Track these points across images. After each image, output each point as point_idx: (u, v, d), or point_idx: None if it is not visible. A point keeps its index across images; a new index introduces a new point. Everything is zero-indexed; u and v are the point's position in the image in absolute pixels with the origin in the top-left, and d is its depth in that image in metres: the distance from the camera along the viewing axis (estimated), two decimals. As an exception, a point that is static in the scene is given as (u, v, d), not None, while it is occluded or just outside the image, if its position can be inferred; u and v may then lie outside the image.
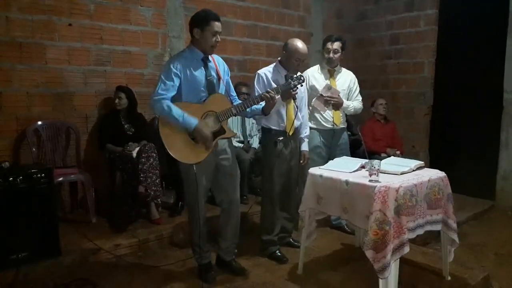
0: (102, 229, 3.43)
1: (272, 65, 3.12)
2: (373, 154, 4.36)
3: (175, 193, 3.97)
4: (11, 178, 2.74)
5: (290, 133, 3.07)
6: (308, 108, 3.41)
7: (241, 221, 2.95)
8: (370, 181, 2.39)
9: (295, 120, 3.06)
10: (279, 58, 3.11)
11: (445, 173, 2.66)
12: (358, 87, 3.70)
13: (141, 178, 3.42)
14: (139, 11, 4.09)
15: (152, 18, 4.18)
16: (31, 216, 2.81)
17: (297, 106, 3.05)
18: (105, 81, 3.94)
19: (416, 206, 2.41)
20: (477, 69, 4.81)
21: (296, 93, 2.90)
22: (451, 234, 2.64)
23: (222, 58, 2.85)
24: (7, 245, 2.70)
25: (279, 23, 5.24)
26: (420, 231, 2.44)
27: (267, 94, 2.66)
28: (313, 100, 3.47)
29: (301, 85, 2.87)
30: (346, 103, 3.54)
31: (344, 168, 2.69)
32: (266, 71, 3.07)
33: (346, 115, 3.69)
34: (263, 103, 2.75)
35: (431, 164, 4.03)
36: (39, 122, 3.59)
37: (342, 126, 3.63)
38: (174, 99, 2.54)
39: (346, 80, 3.63)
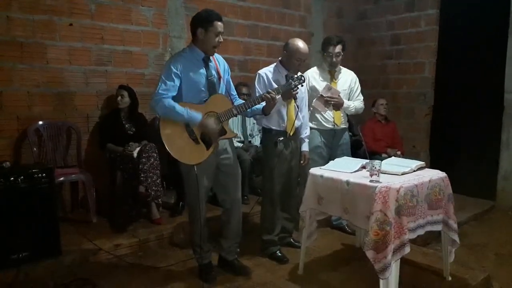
0: (103, 229, 3.43)
1: (272, 65, 3.11)
2: (373, 154, 4.36)
3: (175, 193, 3.97)
4: (12, 178, 2.74)
5: (291, 134, 3.06)
6: (309, 109, 3.41)
7: (242, 221, 2.95)
8: (371, 181, 2.39)
9: (295, 121, 3.05)
10: (279, 58, 3.11)
11: (446, 173, 2.66)
12: (359, 86, 3.69)
13: (142, 178, 3.42)
14: (140, 11, 4.09)
15: (153, 18, 4.18)
16: (32, 216, 2.81)
17: (297, 106, 3.05)
18: (106, 81, 3.94)
19: (417, 207, 2.41)
20: (478, 69, 4.81)
21: (297, 93, 2.90)
22: (452, 234, 2.64)
23: (223, 58, 2.85)
24: (8, 245, 2.70)
25: (279, 23, 5.24)
26: (420, 232, 2.44)
27: (268, 95, 2.65)
28: (314, 100, 3.46)
29: (302, 85, 2.87)
30: (346, 103, 3.53)
31: (345, 169, 2.69)
32: (267, 71, 3.07)
33: (347, 115, 3.68)
34: (263, 103, 2.74)
35: (432, 165, 4.02)
36: (40, 122, 3.59)
37: (343, 126, 3.62)
38: (174, 100, 2.53)
39: (346, 80, 3.63)
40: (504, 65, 4.58)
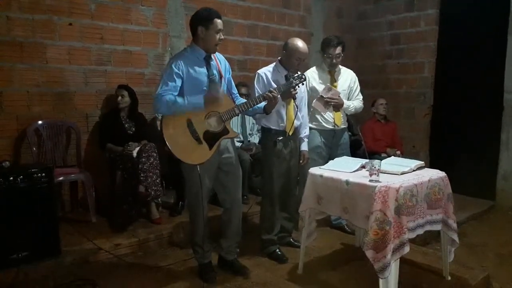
0: (102, 229, 3.43)
1: (272, 65, 3.11)
2: (373, 154, 4.36)
3: (175, 193, 3.97)
4: (11, 178, 2.73)
5: (290, 133, 3.07)
6: (309, 110, 3.41)
7: (241, 221, 2.95)
8: (370, 181, 2.39)
9: (295, 120, 3.05)
10: (279, 58, 3.11)
11: (445, 173, 2.66)
12: (358, 86, 3.69)
13: (141, 178, 3.42)
14: (140, 11, 4.09)
15: (153, 17, 4.18)
16: (32, 215, 2.81)
17: (297, 106, 3.05)
18: (106, 81, 3.94)
19: (416, 206, 2.41)
20: (478, 69, 4.80)
21: (296, 93, 2.90)
22: (451, 234, 2.64)
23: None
24: (8, 245, 2.70)
25: (279, 23, 5.24)
26: (420, 231, 2.45)
27: (269, 94, 2.66)
28: (314, 101, 3.46)
29: (303, 84, 2.87)
30: (346, 103, 3.53)
31: (344, 168, 2.69)
32: (266, 71, 3.07)
33: (346, 115, 3.68)
34: (264, 102, 2.75)
35: (431, 164, 4.03)
36: (40, 122, 3.59)
37: (343, 126, 3.62)
38: None
39: (346, 80, 3.62)
40: (504, 65, 4.58)
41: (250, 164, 4.20)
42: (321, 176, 2.68)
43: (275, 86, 2.85)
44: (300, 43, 2.96)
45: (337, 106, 3.48)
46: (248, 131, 4.53)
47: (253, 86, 3.07)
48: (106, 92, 3.94)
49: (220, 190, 2.87)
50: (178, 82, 2.53)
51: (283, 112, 3.04)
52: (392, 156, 3.66)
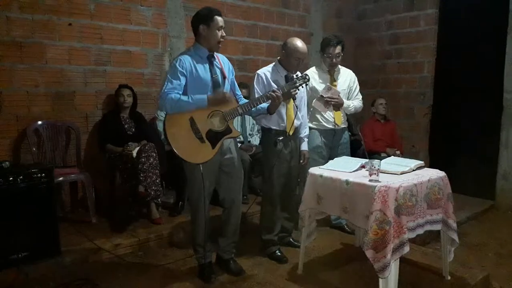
0: (102, 229, 3.43)
1: (271, 65, 3.11)
2: (373, 154, 4.36)
3: (175, 193, 3.97)
4: (11, 178, 2.74)
5: (290, 133, 3.07)
6: (309, 110, 3.41)
7: (241, 221, 2.95)
8: (370, 180, 2.39)
9: (295, 120, 3.05)
10: (278, 58, 3.11)
11: (445, 172, 2.66)
12: (358, 85, 3.69)
13: (141, 178, 3.42)
14: (140, 11, 4.09)
15: (153, 17, 4.18)
16: (31, 215, 2.81)
17: (296, 106, 3.05)
18: (105, 81, 3.94)
19: (416, 206, 2.41)
20: (477, 69, 4.80)
21: (296, 93, 2.90)
22: (451, 233, 2.64)
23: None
24: (7, 245, 2.70)
25: (279, 22, 5.24)
26: (420, 231, 2.45)
27: (273, 94, 2.66)
28: (314, 101, 3.46)
29: (306, 85, 2.87)
30: (346, 103, 3.54)
31: (344, 168, 2.69)
32: (266, 71, 3.07)
33: (346, 114, 3.68)
34: (267, 102, 2.75)
35: (431, 164, 4.04)
36: (39, 122, 3.59)
37: (343, 125, 3.62)
38: None
39: (346, 79, 3.63)
40: (504, 65, 4.58)
41: (250, 164, 4.19)
42: (321, 176, 2.68)
43: (275, 86, 2.85)
44: (299, 43, 2.96)
45: (337, 105, 3.48)
46: (248, 132, 4.53)
47: (253, 86, 3.07)
48: (105, 92, 3.93)
49: (220, 190, 2.86)
50: (183, 80, 2.55)
51: (283, 112, 3.03)
52: (392, 156, 3.66)
